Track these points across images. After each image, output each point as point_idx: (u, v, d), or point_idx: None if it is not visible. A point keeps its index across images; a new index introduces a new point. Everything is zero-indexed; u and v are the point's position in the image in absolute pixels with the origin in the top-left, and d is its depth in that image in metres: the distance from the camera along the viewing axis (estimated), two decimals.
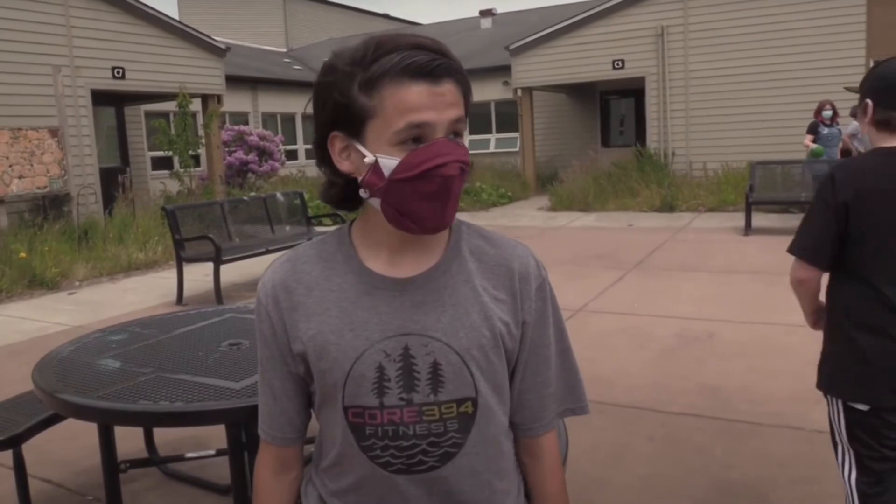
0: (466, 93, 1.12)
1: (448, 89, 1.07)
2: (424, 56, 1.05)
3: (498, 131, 20.58)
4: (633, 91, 17.58)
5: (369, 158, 1.08)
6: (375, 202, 1.12)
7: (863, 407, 1.96)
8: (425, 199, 1.07)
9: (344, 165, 1.13)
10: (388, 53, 1.06)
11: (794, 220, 11.21)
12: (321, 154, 1.17)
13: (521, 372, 1.24)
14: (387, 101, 1.06)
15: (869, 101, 2.06)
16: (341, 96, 1.08)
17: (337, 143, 1.13)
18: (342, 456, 1.19)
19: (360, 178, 1.12)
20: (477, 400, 1.17)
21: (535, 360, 1.24)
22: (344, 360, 1.13)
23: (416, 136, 1.06)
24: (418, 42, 1.07)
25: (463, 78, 1.11)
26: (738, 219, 10.77)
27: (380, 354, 1.14)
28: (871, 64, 13.79)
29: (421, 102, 1.05)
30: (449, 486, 1.18)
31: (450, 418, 1.15)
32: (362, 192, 1.13)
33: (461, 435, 1.17)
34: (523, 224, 12.52)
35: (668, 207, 12.97)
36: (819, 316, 2.18)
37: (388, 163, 1.07)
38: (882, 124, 2.03)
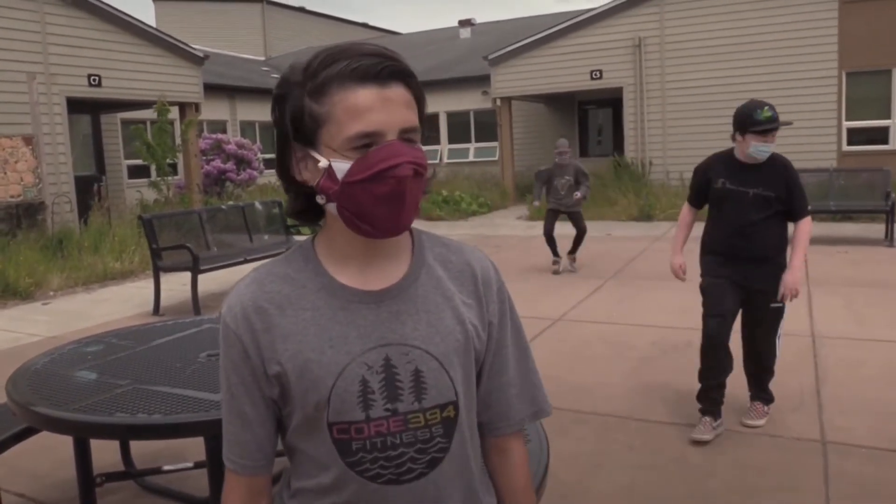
0: (419, 97, 1.13)
1: (397, 92, 1.08)
2: (371, 60, 1.07)
3: (477, 140, 20.63)
4: (611, 101, 17.76)
5: (323, 163, 1.09)
6: (332, 207, 1.13)
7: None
8: (380, 201, 1.08)
9: (303, 175, 1.14)
10: (336, 61, 1.08)
11: None
12: (281, 166, 1.17)
13: (487, 372, 1.27)
14: (336, 106, 1.07)
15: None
16: (293, 107, 1.10)
17: (295, 154, 1.14)
18: (325, 475, 1.17)
19: (314, 184, 1.13)
20: (458, 403, 1.18)
21: (498, 361, 1.27)
22: (326, 377, 1.12)
23: (367, 143, 1.07)
24: (365, 49, 1.09)
25: (414, 82, 1.11)
26: None
27: (362, 367, 1.13)
28: (844, 75, 14.08)
29: (370, 105, 1.06)
30: (438, 490, 1.18)
31: (434, 424, 1.16)
32: (319, 199, 1.13)
33: (446, 440, 1.18)
34: (503, 233, 12.56)
35: (646, 217, 13.08)
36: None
37: (341, 166, 1.08)
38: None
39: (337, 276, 1.18)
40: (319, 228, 1.23)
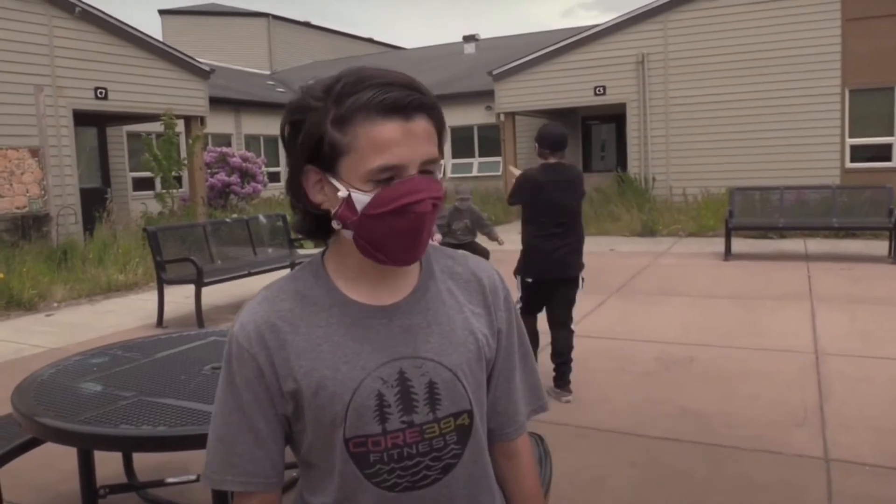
0: (440, 128, 1.13)
1: (420, 125, 1.08)
2: (398, 92, 1.06)
3: (481, 155, 20.68)
4: (615, 117, 17.82)
5: (342, 193, 1.09)
6: (349, 234, 1.13)
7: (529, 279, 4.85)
8: (398, 234, 1.09)
9: (317, 197, 1.13)
10: (362, 89, 1.07)
11: (773, 246, 11.36)
12: (294, 186, 1.16)
13: (496, 379, 1.30)
14: (360, 138, 1.06)
15: (536, 144, 4.81)
16: (314, 132, 1.09)
17: (311, 177, 1.13)
18: (342, 488, 1.18)
19: (333, 211, 1.13)
20: (472, 411, 1.21)
21: (506, 367, 1.31)
22: (343, 393, 1.13)
23: (389, 177, 1.07)
24: (391, 78, 1.09)
25: (436, 113, 1.12)
26: (718, 244, 10.88)
27: (377, 382, 1.15)
28: (847, 92, 14.12)
29: (394, 140, 1.05)
30: (451, 495, 1.21)
31: (448, 432, 1.19)
32: (335, 224, 1.14)
33: (460, 446, 1.20)
34: (506, 248, 12.48)
35: (649, 232, 13.09)
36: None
37: (362, 198, 1.07)
38: (541, 155, 4.81)
39: (348, 293, 1.19)
40: (327, 244, 1.24)
